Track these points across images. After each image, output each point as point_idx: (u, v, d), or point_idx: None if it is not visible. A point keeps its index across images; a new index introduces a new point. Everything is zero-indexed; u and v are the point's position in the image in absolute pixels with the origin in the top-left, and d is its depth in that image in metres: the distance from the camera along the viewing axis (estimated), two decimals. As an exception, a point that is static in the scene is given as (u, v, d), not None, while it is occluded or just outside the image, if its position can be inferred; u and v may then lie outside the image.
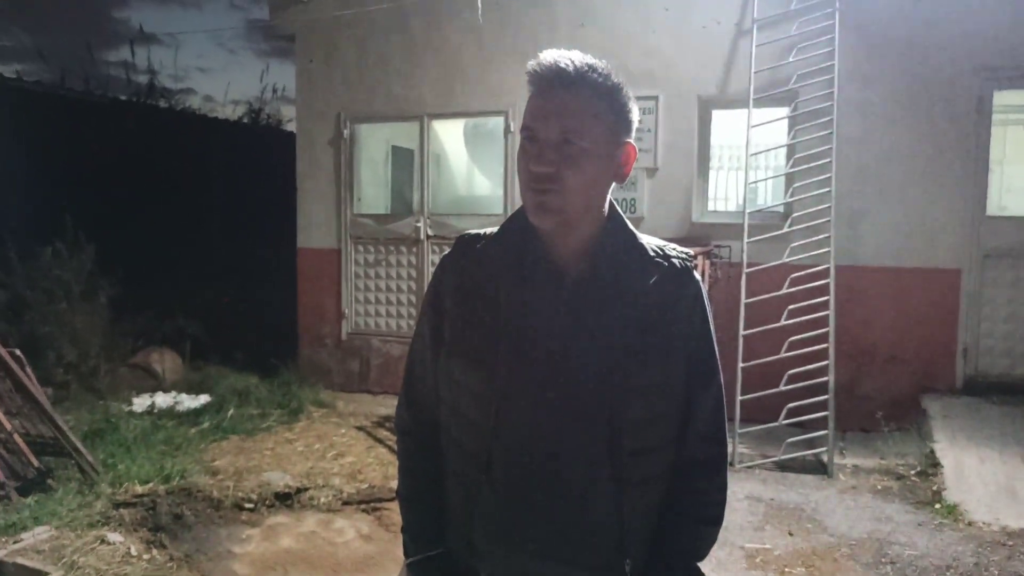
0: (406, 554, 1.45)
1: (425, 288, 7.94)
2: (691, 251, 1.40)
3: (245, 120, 11.85)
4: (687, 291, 1.34)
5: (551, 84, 1.23)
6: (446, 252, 1.44)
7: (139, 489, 4.16)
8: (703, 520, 1.38)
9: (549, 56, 1.25)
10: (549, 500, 1.27)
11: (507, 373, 1.27)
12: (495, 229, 1.39)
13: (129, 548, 3.53)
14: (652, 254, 1.34)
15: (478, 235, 1.40)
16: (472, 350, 1.31)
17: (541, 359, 1.27)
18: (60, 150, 7.98)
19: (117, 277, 6.67)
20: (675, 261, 1.35)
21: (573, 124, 1.22)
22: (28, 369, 4.39)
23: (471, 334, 1.31)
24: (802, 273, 5.20)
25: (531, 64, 1.26)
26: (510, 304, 1.29)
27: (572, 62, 1.23)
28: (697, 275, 1.37)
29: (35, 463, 4.13)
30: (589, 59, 1.24)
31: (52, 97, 8.60)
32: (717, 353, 1.39)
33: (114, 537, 3.60)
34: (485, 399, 1.28)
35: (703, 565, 1.39)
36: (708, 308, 1.38)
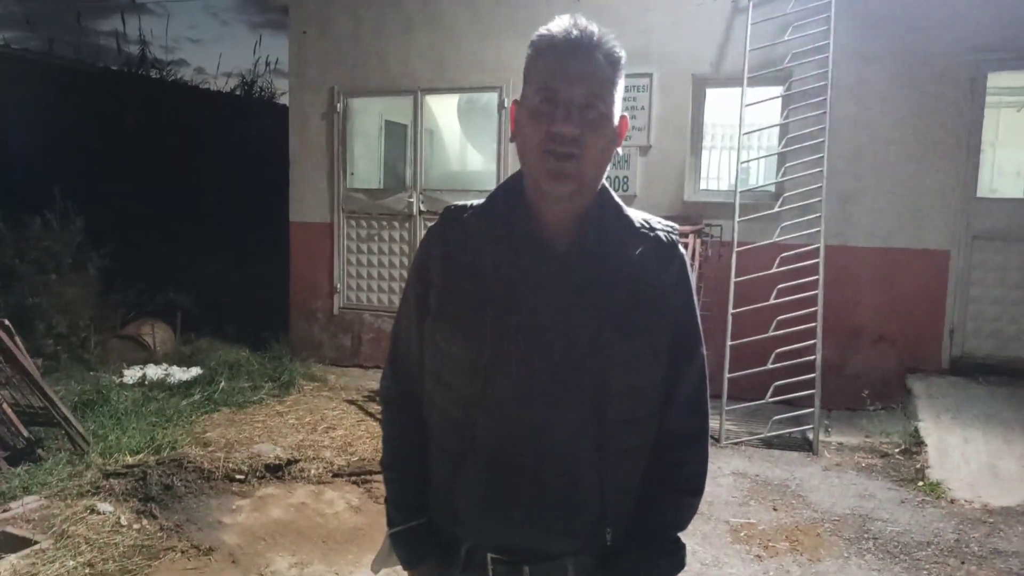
0: (389, 524, 1.46)
1: (417, 263, 7.87)
2: (676, 225, 1.40)
3: (238, 93, 11.74)
4: (672, 264, 1.35)
5: (575, 47, 1.23)
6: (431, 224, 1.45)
7: (129, 460, 4.18)
8: (684, 491, 1.39)
9: (567, 20, 1.25)
10: (533, 469, 1.27)
11: (493, 342, 1.27)
12: (481, 200, 1.39)
13: (119, 518, 3.56)
14: (638, 226, 1.35)
15: (464, 206, 1.39)
16: (458, 319, 1.31)
17: (527, 328, 1.27)
18: (49, 119, 7.91)
19: (108, 249, 6.64)
20: (660, 234, 1.36)
21: (595, 88, 1.23)
22: (17, 339, 4.38)
23: (457, 303, 1.31)
24: (792, 253, 5.22)
25: (548, 26, 1.26)
26: (496, 274, 1.29)
27: (592, 28, 1.24)
28: (682, 249, 1.38)
29: (24, 433, 4.15)
30: (601, 27, 1.26)
31: (40, 65, 8.52)
32: (700, 326, 1.40)
33: (104, 507, 3.62)
34: (470, 368, 1.28)
35: (686, 536, 1.41)
36: (692, 281, 1.39)
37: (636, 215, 1.36)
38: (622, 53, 1.27)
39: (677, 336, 1.35)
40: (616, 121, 1.28)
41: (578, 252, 1.29)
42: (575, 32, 1.24)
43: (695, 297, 1.39)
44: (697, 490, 1.41)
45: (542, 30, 1.27)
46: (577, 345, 1.26)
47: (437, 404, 1.36)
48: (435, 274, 1.36)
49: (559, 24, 1.25)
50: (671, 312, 1.34)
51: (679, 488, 1.39)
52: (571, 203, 1.29)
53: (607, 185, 1.35)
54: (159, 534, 3.49)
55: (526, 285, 1.28)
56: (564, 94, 1.22)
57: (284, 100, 9.74)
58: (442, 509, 1.37)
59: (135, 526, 3.53)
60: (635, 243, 1.33)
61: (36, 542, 3.27)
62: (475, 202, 1.40)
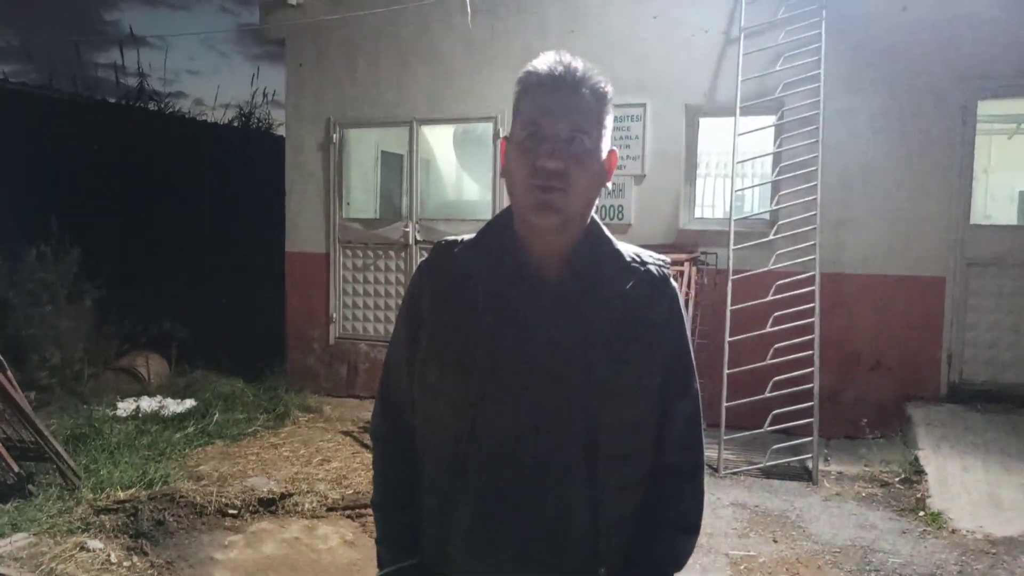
0: (380, 564, 1.43)
1: (412, 293, 7.85)
2: (667, 258, 1.40)
3: (235, 124, 11.82)
4: (664, 298, 1.34)
5: (559, 83, 1.24)
6: (421, 259, 1.44)
7: (121, 495, 4.12)
8: (680, 528, 1.37)
9: (552, 57, 1.26)
10: (525, 506, 1.25)
11: (484, 378, 1.26)
12: (472, 235, 1.39)
13: (109, 555, 3.50)
14: (628, 260, 1.34)
15: (455, 241, 1.39)
16: (449, 355, 1.30)
17: (518, 364, 1.25)
18: (47, 152, 7.94)
19: (103, 280, 6.63)
20: (652, 268, 1.35)
21: (580, 123, 1.24)
22: (9, 373, 4.35)
23: (448, 339, 1.31)
24: (788, 280, 5.22)
25: (534, 64, 1.27)
26: (488, 309, 1.28)
27: (577, 64, 1.26)
28: (673, 282, 1.38)
29: (15, 468, 4.10)
30: (587, 63, 1.27)
31: (39, 98, 8.56)
32: (694, 359, 1.39)
33: (94, 544, 3.56)
34: (461, 404, 1.27)
35: (685, 570, 1.38)
36: (685, 315, 1.38)
37: (627, 249, 1.36)
38: (608, 88, 1.28)
39: (670, 371, 1.34)
40: (604, 155, 1.29)
41: (568, 286, 1.29)
42: (560, 68, 1.25)
43: (688, 331, 1.38)
44: (693, 527, 1.39)
45: (528, 67, 1.28)
46: (568, 381, 1.25)
47: (428, 441, 1.35)
48: (426, 309, 1.35)
49: (544, 61, 1.26)
50: (663, 347, 1.33)
51: (675, 525, 1.36)
52: (559, 236, 1.29)
53: (597, 219, 1.35)
54: (150, 571, 3.44)
55: (516, 320, 1.27)
56: (549, 129, 1.23)
57: (281, 131, 9.82)
58: (433, 548, 1.35)
59: (125, 563, 3.48)
60: (626, 277, 1.32)
61: (24, 581, 3.21)
62: (466, 237, 1.39)
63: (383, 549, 1.44)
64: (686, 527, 1.38)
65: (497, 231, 1.35)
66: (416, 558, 1.38)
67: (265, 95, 12.38)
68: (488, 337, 1.26)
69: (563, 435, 1.25)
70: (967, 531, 3.99)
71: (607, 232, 1.36)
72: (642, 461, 1.33)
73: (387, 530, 1.44)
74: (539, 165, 1.22)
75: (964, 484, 4.41)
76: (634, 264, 1.34)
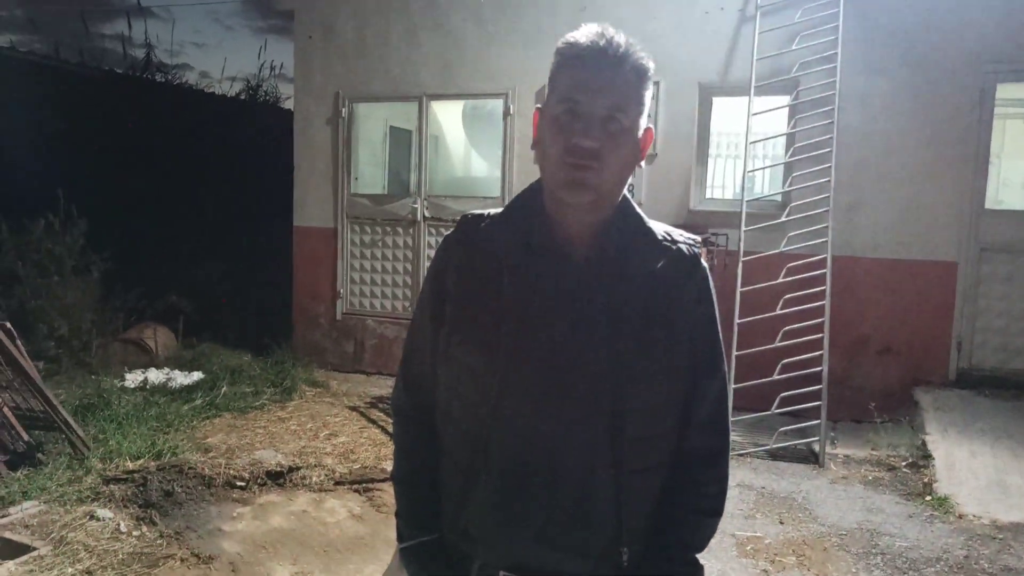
0: (400, 538, 1.42)
1: (422, 269, 7.82)
2: (698, 237, 1.37)
3: (243, 97, 11.74)
4: (694, 278, 1.31)
5: (599, 58, 1.20)
6: (447, 232, 1.41)
7: (130, 465, 4.14)
8: (703, 511, 1.36)
9: (595, 29, 1.22)
10: (548, 485, 1.23)
11: (509, 355, 1.23)
12: (499, 210, 1.36)
13: (119, 524, 3.52)
14: (660, 238, 1.31)
15: (481, 215, 1.36)
16: (474, 330, 1.28)
17: (544, 342, 1.23)
18: (53, 122, 7.89)
19: (111, 252, 6.62)
20: (682, 247, 1.32)
21: (619, 101, 1.20)
22: (19, 342, 4.35)
23: (473, 314, 1.28)
24: (798, 263, 5.19)
25: (574, 35, 1.23)
26: (514, 285, 1.25)
27: (620, 39, 1.21)
28: (704, 262, 1.35)
29: (25, 437, 4.11)
30: (630, 38, 1.23)
31: (46, 68, 8.50)
32: (722, 342, 1.37)
33: (103, 513, 3.58)
34: (485, 380, 1.25)
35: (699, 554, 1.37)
36: (713, 296, 1.36)
37: (658, 227, 1.33)
38: (650, 64, 1.24)
39: (697, 353, 1.31)
40: (640, 133, 1.26)
41: (596, 263, 1.26)
42: (602, 42, 1.20)
43: (716, 312, 1.35)
44: (716, 511, 1.37)
45: (569, 38, 1.23)
46: (593, 360, 1.23)
47: (451, 417, 1.32)
48: (452, 284, 1.32)
49: (586, 33, 1.22)
50: (692, 327, 1.30)
51: (698, 509, 1.35)
52: (590, 214, 1.26)
53: (628, 196, 1.32)
54: (159, 541, 3.45)
55: (543, 296, 1.25)
56: (586, 106, 1.20)
57: (289, 104, 9.77)
58: (454, 525, 1.33)
59: (135, 533, 3.50)
60: (656, 256, 1.29)
61: (34, 548, 3.23)
62: (492, 211, 1.37)
63: (403, 523, 1.43)
64: (710, 511, 1.36)
65: (525, 206, 1.31)
66: (436, 533, 1.37)
67: (272, 68, 12.30)
68: (514, 314, 1.24)
69: (588, 415, 1.23)
70: (974, 516, 3.99)
71: (638, 209, 1.33)
72: (666, 443, 1.31)
73: (407, 504, 1.43)
74: (573, 143, 1.19)
75: (971, 469, 4.41)
76: (665, 243, 1.31)
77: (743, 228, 5.32)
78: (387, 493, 4.12)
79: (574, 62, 1.22)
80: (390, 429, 5.28)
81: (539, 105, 1.30)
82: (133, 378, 5.94)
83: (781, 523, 3.94)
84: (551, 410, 1.23)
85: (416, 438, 1.42)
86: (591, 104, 1.20)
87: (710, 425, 1.35)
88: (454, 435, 1.32)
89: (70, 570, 3.10)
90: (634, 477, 1.26)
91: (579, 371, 1.23)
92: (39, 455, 4.11)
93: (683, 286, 1.30)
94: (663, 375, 1.27)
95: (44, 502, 3.65)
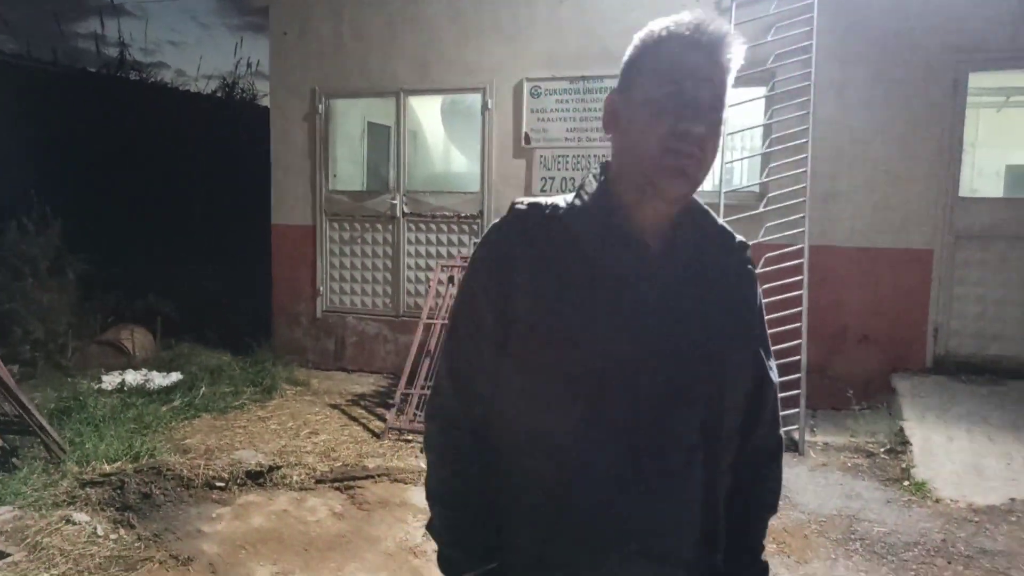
0: (452, 569, 1.24)
1: (402, 265, 7.71)
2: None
3: (219, 94, 11.63)
4: (752, 273, 1.29)
5: (708, 45, 1.13)
6: (496, 221, 1.26)
7: (107, 468, 4.10)
8: (768, 509, 1.34)
9: (699, 14, 1.14)
10: (649, 491, 1.14)
11: (601, 355, 1.13)
12: (558, 199, 1.24)
13: (95, 528, 3.48)
14: (730, 234, 1.27)
15: (540, 203, 1.23)
16: (559, 329, 1.15)
17: (636, 339, 1.14)
18: (26, 122, 7.78)
19: (87, 253, 6.54)
20: (738, 241, 1.28)
21: (720, 92, 1.15)
22: (-9, 346, 4.29)
23: (556, 311, 1.15)
24: (776, 253, 5.22)
25: (674, 19, 1.15)
26: (603, 277, 1.16)
27: (726, 27, 1.15)
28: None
29: (-1, 442, 4.06)
30: (730, 27, 1.17)
31: (17, 68, 8.36)
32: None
33: (80, 517, 3.54)
34: (579, 382, 1.14)
35: None
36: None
37: (719, 221, 1.28)
38: (741, 56, 1.17)
39: (762, 349, 1.29)
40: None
41: (674, 255, 1.19)
42: (710, 27, 1.13)
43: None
44: (775, 507, 1.35)
45: (666, 22, 1.16)
46: (687, 356, 1.15)
47: (524, 427, 1.18)
48: (525, 278, 1.18)
49: (685, 17, 1.15)
50: (758, 323, 1.28)
51: (764, 506, 1.33)
52: (674, 204, 1.19)
53: None
54: (136, 544, 3.42)
55: (630, 291, 1.16)
56: (691, 91, 1.12)
57: (266, 102, 9.66)
58: (529, 551, 1.18)
59: (112, 536, 3.46)
60: (727, 249, 1.25)
61: (9, 554, 3.19)
62: (552, 200, 1.24)
63: (455, 551, 1.24)
64: (771, 507, 1.35)
65: (598, 194, 1.21)
66: (497, 562, 1.20)
67: (249, 65, 12.20)
68: (603, 309, 1.14)
69: (686, 414, 1.16)
70: (951, 500, 4.04)
71: (701, 201, 1.27)
72: (735, 441, 1.25)
73: (460, 529, 1.24)
74: (683, 127, 1.11)
75: (948, 454, 4.46)
76: (727, 234, 1.27)
77: (721, 219, 5.31)
78: (368, 490, 4.11)
79: (673, 43, 1.15)
80: (371, 426, 5.29)
81: (612, 89, 1.24)
82: (110, 380, 5.87)
83: (761, 512, 3.96)
84: (650, 410, 1.14)
85: (472, 452, 1.24)
86: (697, 90, 1.13)
87: (774, 421, 1.33)
88: (536, 448, 1.17)
89: (46, 575, 3.06)
90: (722, 476, 1.21)
91: (675, 368, 1.15)
92: (14, 460, 4.06)
93: (746, 282, 1.27)
94: (745, 370, 1.24)
95: (19, 507, 3.60)
